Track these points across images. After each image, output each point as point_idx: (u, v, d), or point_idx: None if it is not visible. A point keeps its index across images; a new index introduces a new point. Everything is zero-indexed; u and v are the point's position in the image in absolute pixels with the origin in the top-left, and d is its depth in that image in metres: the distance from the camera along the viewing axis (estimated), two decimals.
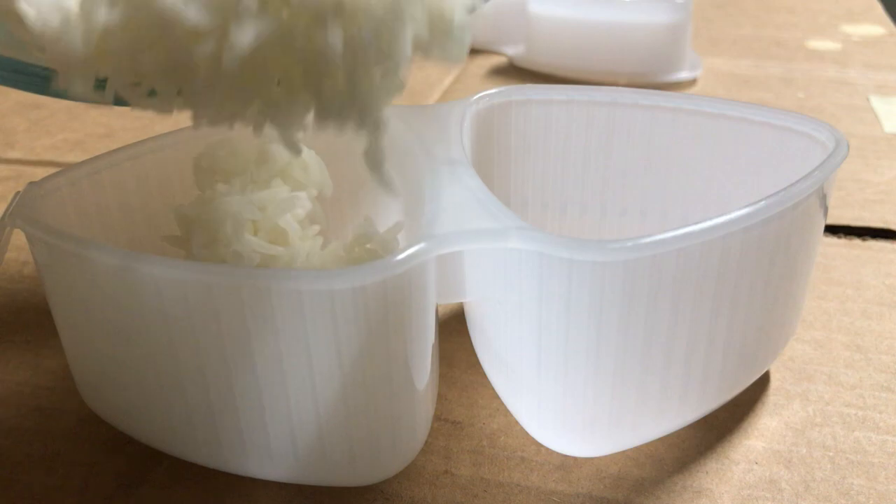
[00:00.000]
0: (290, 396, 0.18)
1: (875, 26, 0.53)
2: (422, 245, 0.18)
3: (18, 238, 0.20)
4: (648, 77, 0.44)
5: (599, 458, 0.21)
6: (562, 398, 0.19)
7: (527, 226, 0.18)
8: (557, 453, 0.21)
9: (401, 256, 0.17)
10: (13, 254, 0.30)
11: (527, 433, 0.21)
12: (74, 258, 0.19)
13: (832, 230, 0.31)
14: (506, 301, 0.19)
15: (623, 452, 0.21)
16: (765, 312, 0.20)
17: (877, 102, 0.42)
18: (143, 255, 0.18)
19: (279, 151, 0.23)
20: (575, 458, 0.21)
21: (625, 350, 0.18)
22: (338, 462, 0.19)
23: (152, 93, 0.17)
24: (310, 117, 0.17)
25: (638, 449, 0.21)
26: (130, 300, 0.18)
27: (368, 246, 0.21)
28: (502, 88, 0.26)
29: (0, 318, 0.27)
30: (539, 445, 0.21)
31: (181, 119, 0.38)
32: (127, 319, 0.18)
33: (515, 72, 0.47)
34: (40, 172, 0.36)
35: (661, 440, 0.22)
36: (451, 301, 0.20)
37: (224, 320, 0.17)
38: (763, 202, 0.19)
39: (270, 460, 0.19)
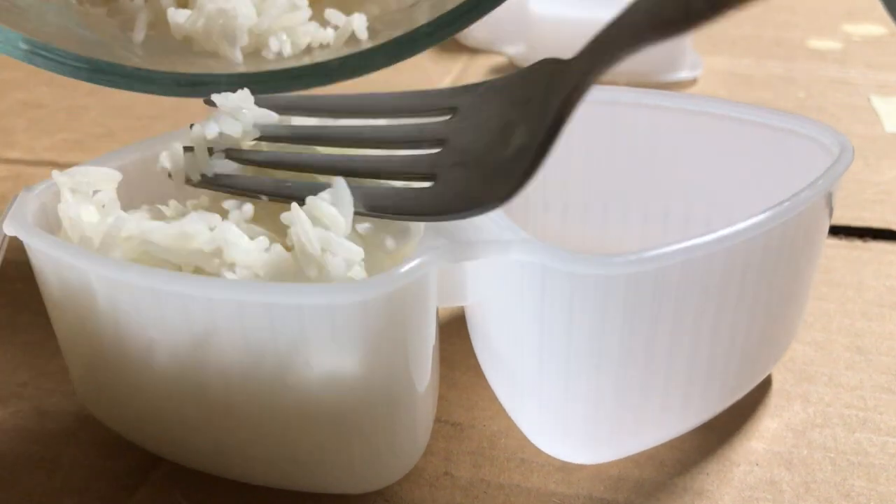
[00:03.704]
0: (288, 404, 0.18)
1: (876, 26, 0.53)
2: (423, 258, 0.18)
3: (18, 238, 0.20)
4: (649, 76, 0.44)
5: None
6: (563, 405, 0.19)
7: (529, 238, 0.18)
8: None
9: (402, 270, 0.17)
10: (13, 254, 0.30)
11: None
12: (69, 268, 0.18)
13: (832, 231, 0.31)
14: (507, 310, 0.19)
15: None
16: (768, 319, 0.20)
17: (878, 102, 0.42)
18: (139, 266, 0.17)
19: None
20: None
21: (627, 359, 0.18)
22: (337, 470, 0.19)
23: None
24: None
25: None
26: (126, 311, 0.18)
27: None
28: None
29: (0, 319, 0.27)
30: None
31: (181, 119, 0.39)
32: (123, 329, 0.18)
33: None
34: (39, 173, 0.36)
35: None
36: (451, 304, 0.20)
37: (224, 332, 0.17)
38: (767, 212, 0.18)
39: (270, 466, 0.19)
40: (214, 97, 0.21)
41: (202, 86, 0.23)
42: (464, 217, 0.18)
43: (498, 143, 0.18)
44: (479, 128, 0.19)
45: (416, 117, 0.20)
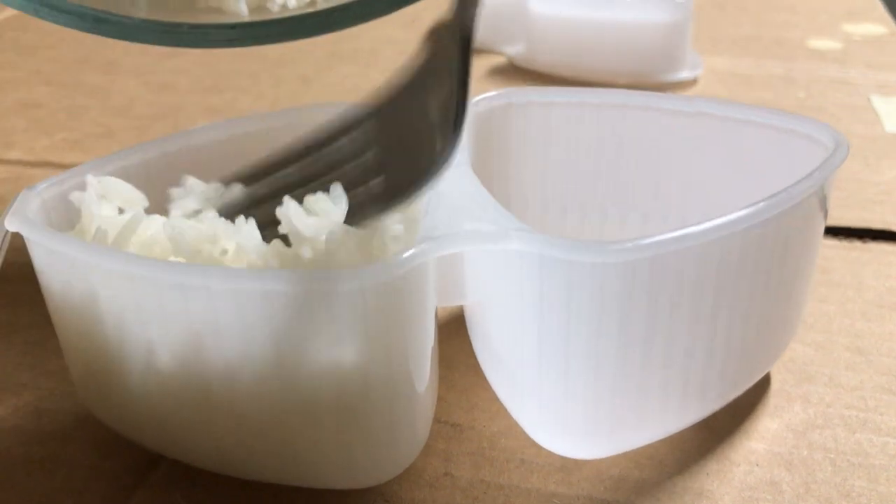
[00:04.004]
0: (287, 399, 0.18)
1: (876, 26, 0.53)
2: (422, 247, 0.18)
3: (18, 238, 0.20)
4: (649, 77, 0.44)
5: (600, 460, 0.21)
6: (562, 400, 0.19)
7: (526, 227, 0.18)
8: (558, 455, 0.21)
9: (401, 258, 0.17)
10: (13, 254, 0.30)
11: (527, 435, 0.21)
12: (70, 262, 0.18)
13: (832, 231, 0.31)
14: (506, 303, 0.19)
15: (624, 454, 0.21)
16: (765, 314, 0.20)
17: (878, 102, 0.42)
18: (138, 257, 0.18)
19: None
20: (575, 460, 0.21)
21: (625, 351, 0.18)
22: (336, 465, 0.19)
23: None
24: None
25: (638, 450, 0.21)
26: (126, 304, 0.18)
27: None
28: (502, 91, 0.26)
29: (0, 319, 0.27)
30: (539, 447, 0.21)
31: (181, 119, 0.38)
32: (123, 324, 0.18)
33: (515, 72, 0.47)
34: (39, 173, 0.36)
35: (662, 441, 0.22)
36: (451, 304, 0.20)
37: (223, 323, 0.17)
38: (762, 203, 0.19)
39: (269, 463, 0.19)
40: (172, 190, 0.22)
41: (212, 32, 0.23)
42: (421, 191, 0.19)
43: (423, 121, 0.19)
44: (402, 116, 0.20)
45: (348, 135, 0.22)
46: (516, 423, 0.22)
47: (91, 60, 0.50)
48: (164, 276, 0.17)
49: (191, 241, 0.19)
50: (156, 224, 0.20)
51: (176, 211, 0.22)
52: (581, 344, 0.18)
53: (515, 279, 0.18)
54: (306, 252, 0.18)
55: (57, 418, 0.23)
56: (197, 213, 0.22)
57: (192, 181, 0.22)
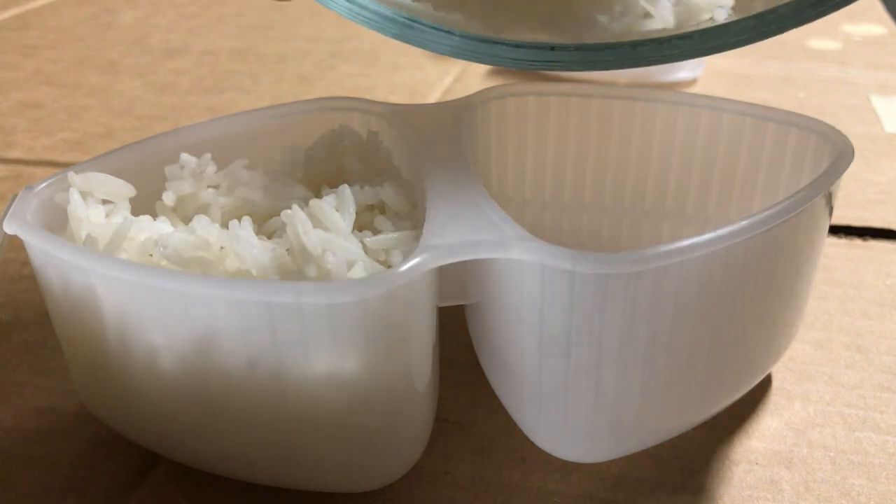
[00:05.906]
0: (288, 405, 0.18)
1: (876, 26, 0.53)
2: (423, 257, 0.18)
3: (18, 238, 0.20)
4: (649, 76, 0.44)
5: None
6: (563, 404, 0.19)
7: (528, 236, 0.18)
8: None
9: (402, 269, 0.17)
10: (13, 254, 0.30)
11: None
12: (70, 266, 0.18)
13: (833, 230, 0.31)
14: (507, 307, 0.19)
15: None
16: (768, 318, 0.20)
17: (878, 102, 0.42)
18: (139, 265, 0.17)
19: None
20: None
21: (626, 358, 0.18)
22: (338, 469, 0.19)
23: None
24: None
25: None
26: (126, 309, 0.18)
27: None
28: (501, 84, 0.26)
29: (0, 319, 0.27)
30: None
31: (182, 120, 0.38)
32: (123, 328, 0.18)
33: (515, 72, 0.47)
34: (39, 172, 0.36)
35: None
36: (452, 303, 0.20)
37: (224, 331, 0.17)
38: (767, 212, 0.18)
39: (269, 465, 0.19)
40: (167, 169, 0.22)
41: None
42: None
43: None
44: None
45: None
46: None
47: (91, 60, 0.50)
48: (164, 285, 0.17)
49: (184, 254, 0.19)
50: (147, 228, 0.20)
51: (169, 194, 0.21)
52: (582, 350, 0.18)
53: (517, 286, 0.18)
54: (311, 271, 0.18)
55: (57, 418, 0.23)
56: (192, 195, 0.21)
57: (185, 157, 0.22)
